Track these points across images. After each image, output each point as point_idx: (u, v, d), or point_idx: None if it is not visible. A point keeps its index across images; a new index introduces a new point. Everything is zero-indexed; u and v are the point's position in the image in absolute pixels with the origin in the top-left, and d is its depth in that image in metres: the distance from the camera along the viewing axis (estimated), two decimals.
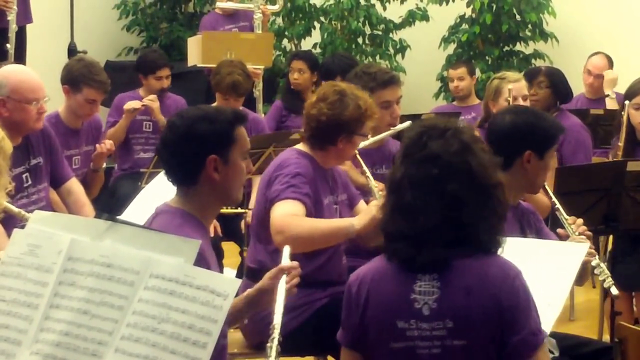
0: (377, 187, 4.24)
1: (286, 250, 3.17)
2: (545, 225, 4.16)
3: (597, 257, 3.90)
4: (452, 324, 2.78)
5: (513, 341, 2.78)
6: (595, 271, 3.91)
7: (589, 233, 3.94)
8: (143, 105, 6.83)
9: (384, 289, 2.87)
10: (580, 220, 3.97)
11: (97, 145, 5.62)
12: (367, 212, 4.06)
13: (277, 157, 4.28)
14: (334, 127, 4.14)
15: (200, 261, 2.58)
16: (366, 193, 4.61)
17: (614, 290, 3.96)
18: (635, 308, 5.33)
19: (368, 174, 4.36)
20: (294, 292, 3.13)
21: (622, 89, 7.70)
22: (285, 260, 3.12)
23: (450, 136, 2.87)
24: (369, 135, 4.37)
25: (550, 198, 4.10)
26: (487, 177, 2.86)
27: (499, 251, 2.87)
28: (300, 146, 4.26)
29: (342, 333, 2.98)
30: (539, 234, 3.94)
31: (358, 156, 4.37)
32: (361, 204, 4.38)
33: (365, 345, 2.90)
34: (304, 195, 4.01)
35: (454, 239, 2.81)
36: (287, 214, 3.94)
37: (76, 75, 5.54)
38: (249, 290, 3.25)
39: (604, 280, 3.93)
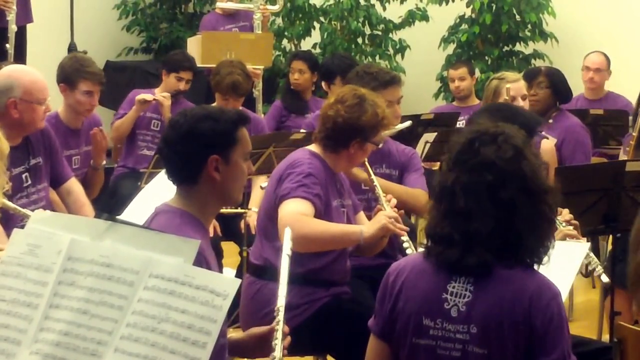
0: (385, 197, 4.23)
1: (287, 233, 3.12)
2: None
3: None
4: (477, 331, 2.77)
5: None
6: (585, 260, 3.93)
7: (576, 222, 3.97)
8: (154, 99, 6.81)
9: (417, 284, 2.87)
10: (566, 211, 3.99)
11: (91, 133, 5.57)
12: (376, 221, 4.05)
13: (289, 155, 4.25)
14: (350, 130, 4.13)
15: (200, 261, 2.58)
16: (364, 191, 4.61)
17: (605, 278, 4.00)
18: (634, 308, 5.32)
19: (376, 182, 4.34)
20: None
21: (622, 89, 7.74)
22: (287, 244, 3.08)
23: (503, 142, 2.84)
24: (381, 145, 4.36)
25: None
26: (539, 182, 2.85)
27: (545, 260, 2.86)
28: (312, 147, 4.24)
29: (373, 321, 2.99)
30: None
31: (367, 163, 4.36)
32: (361, 214, 4.37)
33: (392, 337, 2.91)
34: (314, 196, 3.99)
35: (500, 246, 2.80)
36: (296, 212, 3.93)
37: (69, 71, 5.56)
38: (240, 334, 3.25)
39: (594, 269, 3.96)
